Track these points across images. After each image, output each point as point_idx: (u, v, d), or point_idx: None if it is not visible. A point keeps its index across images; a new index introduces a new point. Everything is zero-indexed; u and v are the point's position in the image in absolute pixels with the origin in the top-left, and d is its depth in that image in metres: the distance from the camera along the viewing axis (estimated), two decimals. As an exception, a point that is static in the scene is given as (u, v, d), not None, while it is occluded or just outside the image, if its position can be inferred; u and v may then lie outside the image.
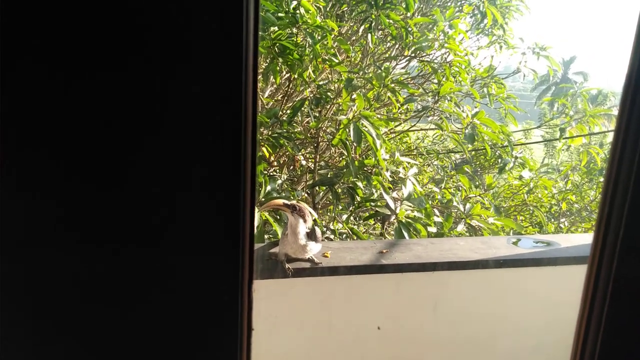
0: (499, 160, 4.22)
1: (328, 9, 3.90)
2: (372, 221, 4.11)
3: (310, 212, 1.84)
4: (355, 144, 2.59)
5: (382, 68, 3.18)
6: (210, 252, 0.54)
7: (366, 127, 2.52)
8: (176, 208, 0.53)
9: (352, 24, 4.14)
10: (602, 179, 5.21)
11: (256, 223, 2.17)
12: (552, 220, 5.21)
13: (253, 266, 0.55)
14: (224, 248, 0.54)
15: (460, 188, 4.24)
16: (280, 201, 1.85)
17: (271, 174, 3.19)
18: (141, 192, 0.53)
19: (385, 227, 3.72)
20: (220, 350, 0.55)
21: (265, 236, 2.71)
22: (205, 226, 0.54)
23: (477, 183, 4.43)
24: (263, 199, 2.36)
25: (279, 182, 2.61)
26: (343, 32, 4.19)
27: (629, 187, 0.50)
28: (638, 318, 0.56)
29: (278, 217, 2.52)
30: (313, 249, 1.86)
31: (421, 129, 4.91)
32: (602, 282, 0.54)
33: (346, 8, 4.12)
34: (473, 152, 5.48)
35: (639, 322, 0.56)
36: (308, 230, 1.81)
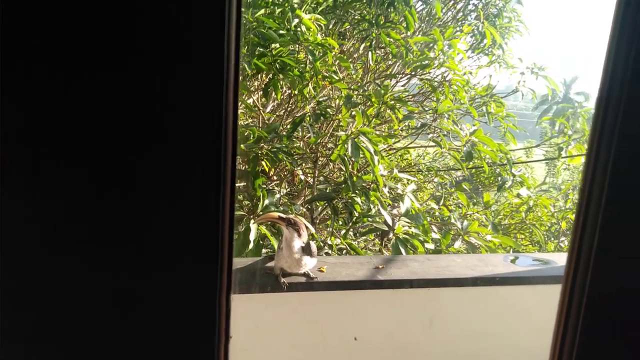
0: (499, 178, 4.24)
1: (330, 27, 3.97)
2: (371, 236, 4.11)
3: (306, 227, 1.85)
4: (353, 160, 2.61)
5: (382, 85, 3.22)
6: (187, 262, 0.55)
7: (364, 143, 2.55)
8: (152, 219, 0.54)
9: (354, 42, 4.21)
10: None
11: (253, 237, 2.19)
12: (552, 239, 5.20)
13: (231, 277, 0.56)
14: (202, 259, 0.55)
15: (460, 205, 4.25)
16: (276, 214, 1.86)
17: (270, 188, 3.21)
18: (123, 200, 0.54)
19: (384, 242, 3.72)
20: (197, 357, 0.55)
21: (263, 250, 2.72)
22: (183, 237, 0.55)
23: (476, 200, 4.43)
24: (261, 213, 2.37)
25: (277, 196, 2.63)
26: (345, 50, 4.26)
27: (601, 199, 0.52)
28: (612, 331, 0.57)
29: (276, 231, 2.53)
30: (308, 264, 1.86)
31: (421, 146, 4.94)
32: (577, 295, 0.55)
33: (348, 26, 4.20)
34: (473, 170, 5.50)
35: (613, 335, 0.57)
36: (303, 245, 1.82)
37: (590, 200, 0.53)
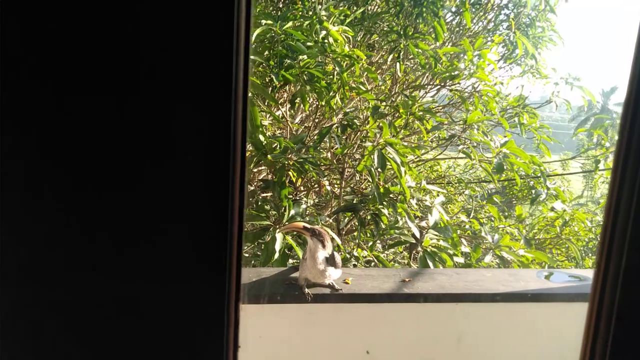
0: (532, 191, 4.11)
1: (359, 39, 3.98)
2: (400, 249, 4.05)
3: (331, 238, 1.84)
4: (379, 171, 2.59)
5: (410, 96, 3.19)
6: (196, 271, 0.55)
7: (391, 154, 2.52)
8: (162, 227, 0.54)
9: (382, 54, 4.21)
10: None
11: (278, 247, 2.19)
12: (590, 254, 4.98)
13: (240, 286, 0.56)
14: (209, 270, 0.55)
15: (492, 218, 4.13)
16: (301, 224, 1.86)
17: (297, 198, 3.22)
18: (133, 208, 0.54)
19: (412, 255, 3.66)
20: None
21: (290, 260, 2.72)
22: (192, 247, 0.55)
23: (508, 214, 4.31)
24: (286, 223, 2.38)
25: (304, 206, 2.63)
26: (374, 61, 4.26)
27: (630, 214, 0.48)
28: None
29: (302, 241, 2.53)
30: (333, 275, 1.84)
31: (450, 157, 4.86)
32: (605, 315, 0.51)
33: (377, 38, 4.20)
34: (505, 183, 5.36)
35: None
36: (327, 256, 1.81)
37: (618, 216, 0.50)
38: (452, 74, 3.36)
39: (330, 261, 1.81)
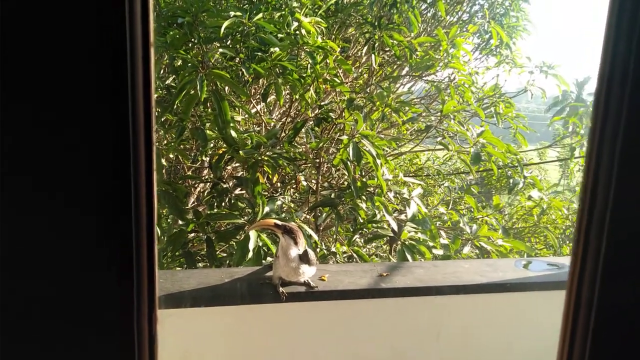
0: (510, 180, 4.12)
1: (333, 31, 3.92)
2: (382, 242, 4.02)
3: (304, 234, 1.78)
4: (355, 164, 2.54)
5: (385, 88, 3.15)
6: (95, 279, 0.48)
7: (366, 147, 2.47)
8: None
9: (358, 48, 4.15)
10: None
11: (252, 245, 2.12)
12: (568, 242, 5.04)
13: (154, 295, 0.49)
14: (110, 276, 0.48)
15: (471, 209, 4.13)
16: (272, 221, 1.80)
17: (273, 195, 3.15)
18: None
19: (392, 249, 3.63)
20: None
21: (269, 259, 2.65)
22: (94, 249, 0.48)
23: (486, 204, 4.32)
24: (260, 220, 2.31)
25: (279, 203, 2.56)
26: (350, 55, 4.20)
27: (607, 203, 0.44)
28: (625, 345, 0.49)
29: (277, 239, 2.47)
30: (307, 272, 1.79)
31: (428, 149, 4.85)
32: (583, 311, 0.47)
33: (352, 32, 4.15)
34: (483, 173, 5.38)
35: (627, 349, 0.49)
36: (300, 253, 1.75)
37: (594, 206, 0.45)
38: (428, 64, 3.33)
39: (303, 258, 1.75)
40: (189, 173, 3.56)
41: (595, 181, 0.45)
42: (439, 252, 2.82)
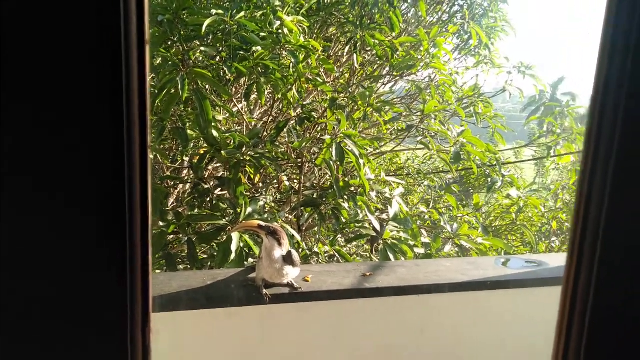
0: (488, 179, 4.19)
1: (315, 31, 3.91)
2: (363, 242, 4.03)
3: (288, 235, 1.77)
4: (338, 164, 2.54)
5: (367, 87, 3.16)
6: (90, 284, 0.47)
7: (349, 147, 2.48)
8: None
9: (340, 47, 4.16)
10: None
11: (234, 247, 2.10)
12: (544, 239, 5.16)
13: (149, 308, 0.47)
14: (110, 276, 0.46)
15: (450, 208, 4.19)
16: (255, 222, 1.78)
17: (256, 195, 3.12)
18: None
19: (374, 248, 3.65)
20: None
21: (251, 260, 2.63)
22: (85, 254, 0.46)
23: (466, 203, 4.38)
24: (243, 222, 2.29)
25: (261, 203, 2.55)
26: (332, 54, 4.20)
27: (604, 199, 0.45)
28: (621, 342, 0.49)
29: (260, 240, 2.45)
30: (291, 274, 1.78)
31: (409, 149, 4.89)
32: (579, 310, 0.48)
33: (334, 31, 4.14)
34: (463, 172, 5.46)
35: (623, 346, 0.50)
36: (284, 254, 1.74)
37: (590, 202, 0.46)
38: (409, 64, 3.35)
39: (287, 259, 1.74)
40: (168, 173, 3.51)
41: (591, 182, 0.46)
42: (421, 250, 2.85)
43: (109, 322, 0.46)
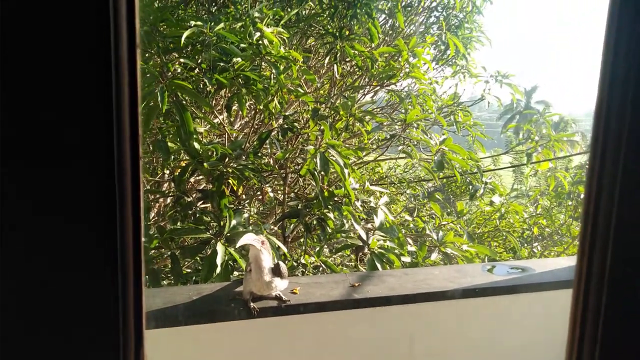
0: (470, 187, 4.23)
1: (294, 42, 3.92)
2: (347, 252, 4.01)
3: (271, 246, 1.74)
4: (323, 174, 2.52)
5: (349, 97, 3.16)
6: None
7: (333, 157, 2.46)
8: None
9: (319, 58, 4.17)
10: (570, 203, 5.30)
11: (220, 260, 2.05)
12: (525, 245, 5.23)
13: (142, 334, 0.44)
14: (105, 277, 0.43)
15: (434, 216, 4.21)
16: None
17: (240, 207, 3.08)
18: None
19: (359, 258, 3.63)
20: None
21: (237, 273, 2.58)
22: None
23: (449, 210, 4.41)
24: (228, 234, 2.24)
25: (246, 215, 2.50)
26: (311, 65, 4.21)
27: (613, 200, 0.44)
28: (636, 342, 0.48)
29: (246, 252, 2.40)
30: (279, 286, 1.74)
31: (391, 158, 4.92)
32: (592, 312, 0.46)
33: (313, 42, 4.16)
34: (444, 180, 5.51)
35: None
36: (272, 266, 1.70)
37: (599, 204, 0.45)
38: (389, 74, 3.37)
39: (275, 271, 1.70)
40: (148, 187, 3.43)
41: (600, 187, 0.45)
42: (407, 259, 2.84)
43: (102, 324, 0.43)
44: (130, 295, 0.42)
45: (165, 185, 3.49)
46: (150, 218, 3.28)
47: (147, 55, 2.71)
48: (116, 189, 0.42)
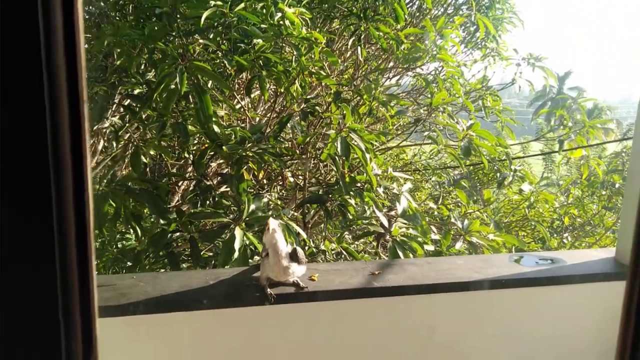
0: (498, 174, 4.09)
1: (318, 24, 3.82)
2: (370, 238, 3.95)
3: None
4: (344, 159, 2.46)
5: (372, 80, 3.07)
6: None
7: (355, 141, 2.39)
8: None
9: (344, 42, 4.07)
10: (603, 192, 5.07)
11: (238, 245, 2.02)
12: (555, 235, 5.05)
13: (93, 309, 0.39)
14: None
15: (459, 204, 4.09)
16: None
17: (260, 192, 3.05)
18: None
19: (380, 245, 3.56)
20: None
21: (257, 258, 2.56)
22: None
23: (476, 198, 4.29)
24: (247, 219, 2.21)
25: (265, 200, 2.47)
26: (336, 49, 4.11)
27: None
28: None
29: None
30: (297, 272, 1.70)
31: (416, 144, 4.80)
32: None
33: (338, 25, 4.06)
34: (471, 167, 5.36)
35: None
36: (289, 251, 1.66)
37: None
38: (415, 56, 3.25)
39: (293, 257, 1.66)
40: (173, 170, 3.44)
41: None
42: (430, 248, 2.76)
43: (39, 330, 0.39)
44: (75, 287, 0.37)
45: (190, 168, 3.49)
46: (174, 202, 3.29)
47: (168, 37, 2.68)
48: (51, 176, 0.37)
